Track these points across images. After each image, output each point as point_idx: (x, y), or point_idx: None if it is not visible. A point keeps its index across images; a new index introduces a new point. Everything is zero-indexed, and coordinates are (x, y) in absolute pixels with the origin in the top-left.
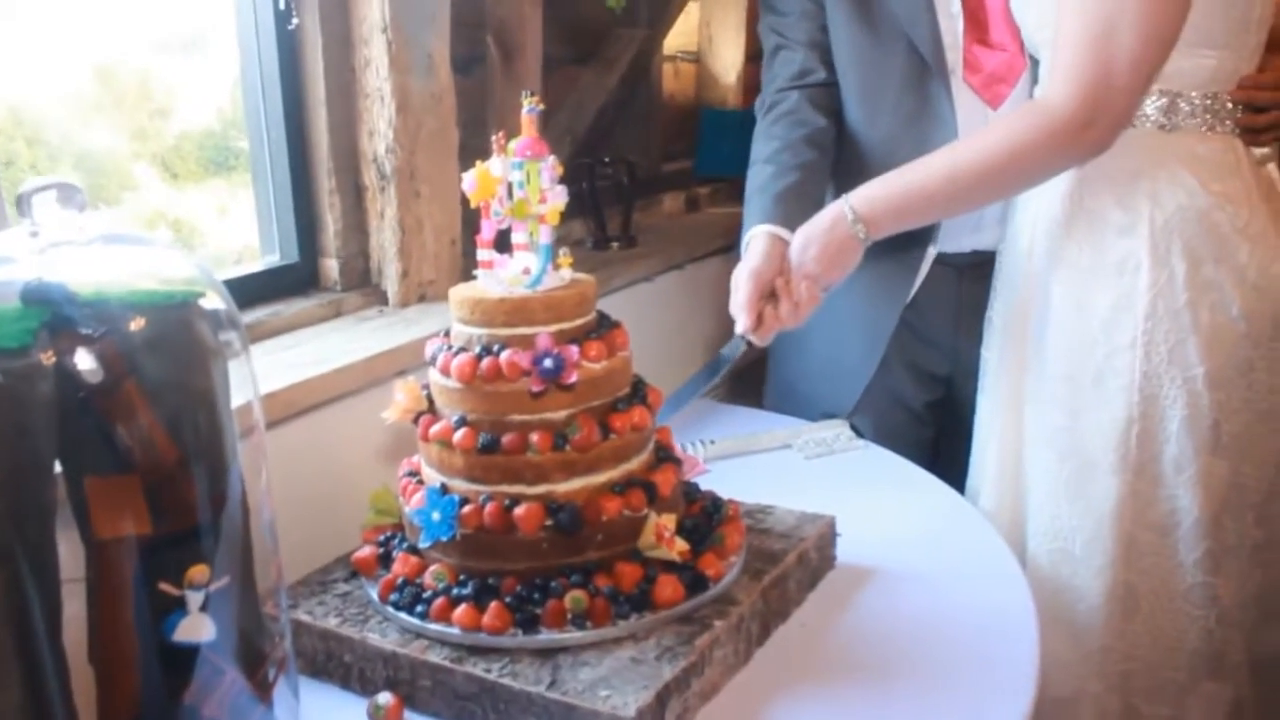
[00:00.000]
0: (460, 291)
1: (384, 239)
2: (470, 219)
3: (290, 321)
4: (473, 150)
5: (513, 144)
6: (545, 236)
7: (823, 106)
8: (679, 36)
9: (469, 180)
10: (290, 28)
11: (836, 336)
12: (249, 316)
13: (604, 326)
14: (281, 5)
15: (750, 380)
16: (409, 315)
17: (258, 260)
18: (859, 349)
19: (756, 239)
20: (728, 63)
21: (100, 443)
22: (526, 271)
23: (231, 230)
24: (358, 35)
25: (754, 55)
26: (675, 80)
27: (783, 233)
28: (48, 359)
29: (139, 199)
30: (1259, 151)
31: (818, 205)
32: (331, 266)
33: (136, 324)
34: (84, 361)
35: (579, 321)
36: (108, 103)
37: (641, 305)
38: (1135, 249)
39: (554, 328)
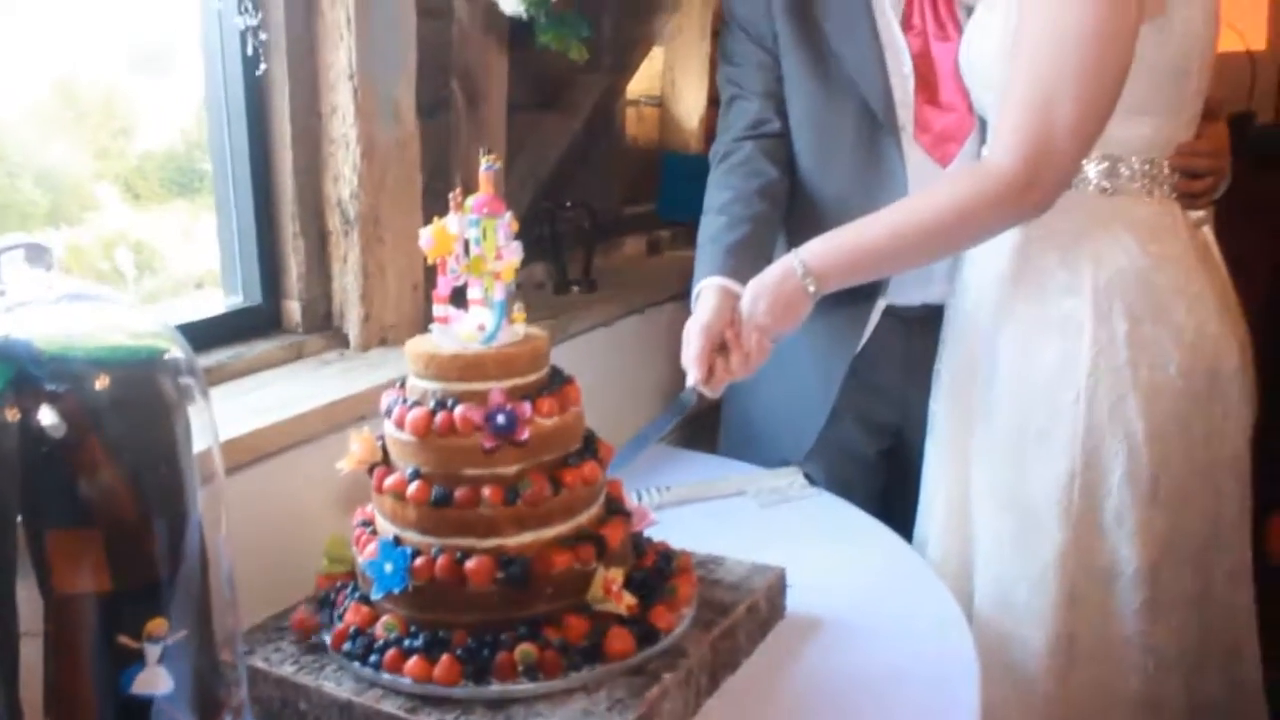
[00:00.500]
0: (416, 346)
1: (346, 283)
2: (433, 268)
3: (251, 364)
4: (435, 193)
5: (470, 200)
6: (500, 293)
7: (776, 158)
8: (642, 81)
9: (425, 237)
10: (258, 73)
11: (787, 385)
12: (211, 358)
13: (556, 382)
14: (250, 51)
15: (706, 424)
16: (370, 359)
17: (218, 285)
18: (810, 398)
19: (707, 291)
20: (690, 107)
21: (63, 497)
22: (481, 328)
23: (193, 254)
24: (324, 82)
25: (716, 100)
26: (638, 124)
27: (733, 285)
28: (12, 415)
29: (100, 219)
30: (1195, 214)
31: (768, 257)
32: (294, 309)
33: (101, 381)
34: (48, 418)
35: (532, 377)
36: (70, 120)
37: (600, 350)
38: (1078, 308)
39: (507, 383)
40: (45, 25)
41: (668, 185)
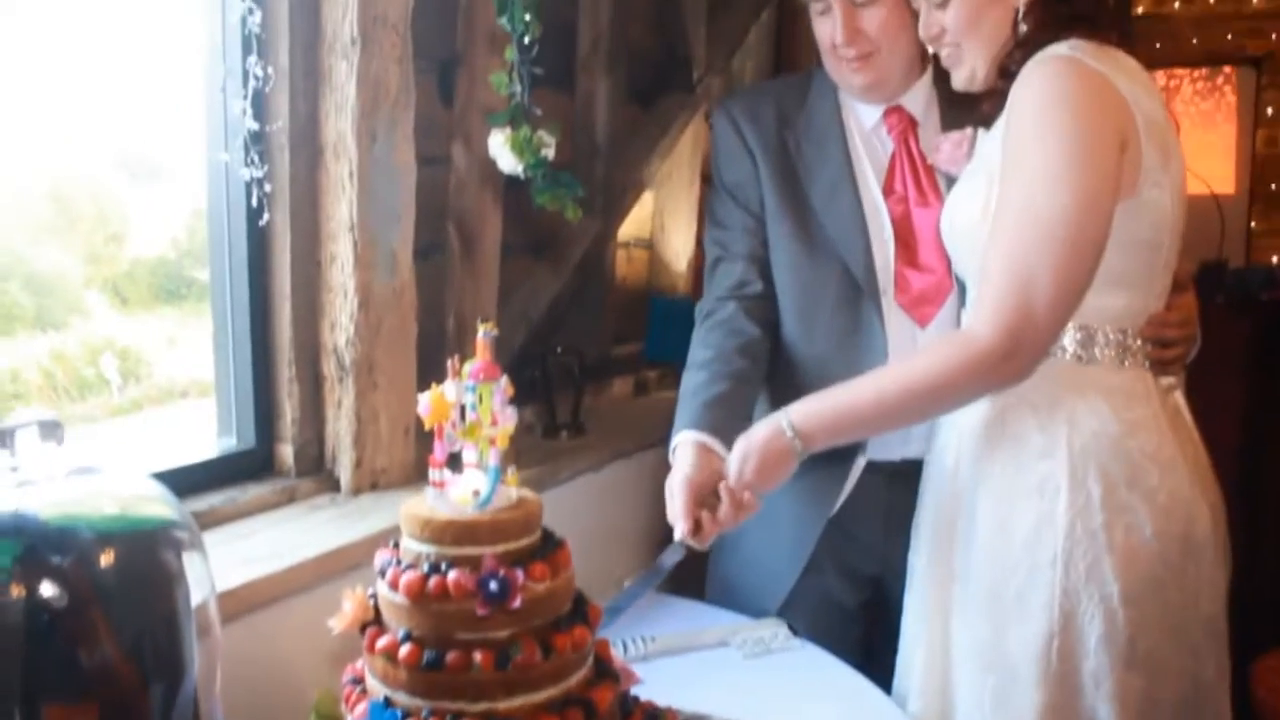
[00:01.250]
0: (411, 509)
1: (340, 427)
2: None
3: (243, 508)
4: (428, 334)
5: (467, 366)
6: (495, 458)
7: (758, 317)
8: (633, 224)
9: (424, 403)
10: (261, 224)
11: (766, 538)
12: (204, 502)
13: (549, 546)
14: (255, 202)
15: (694, 571)
16: (361, 504)
17: (204, 395)
18: (786, 551)
19: (684, 446)
20: (679, 250)
21: (62, 669)
22: (476, 493)
23: (180, 362)
24: (325, 232)
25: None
26: (628, 266)
27: (708, 440)
28: (18, 592)
29: (87, 325)
30: (1166, 380)
31: (747, 413)
32: (287, 452)
33: (106, 557)
34: (53, 590)
35: (525, 542)
36: (63, 225)
37: (589, 496)
38: (1055, 471)
39: (500, 548)
40: (40, 130)
41: (655, 327)
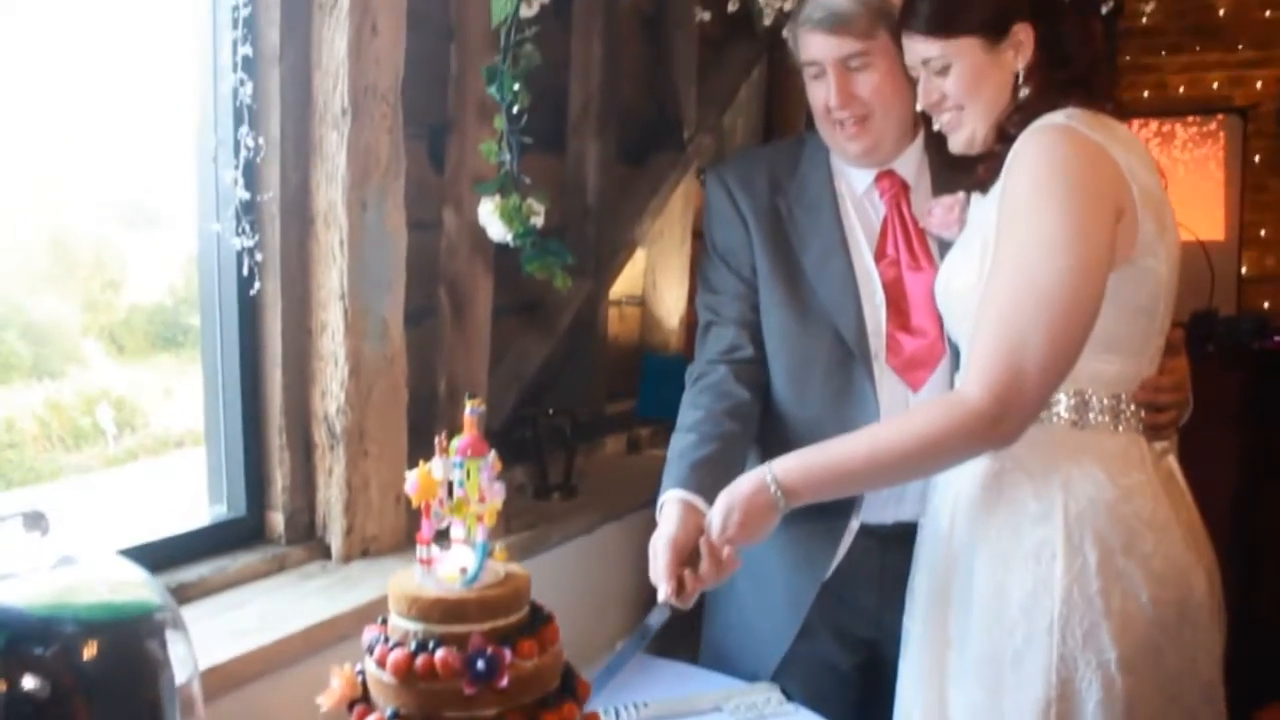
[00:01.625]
0: (399, 586)
1: (330, 495)
2: None
3: (233, 577)
4: (421, 398)
5: (454, 443)
6: (482, 535)
7: (748, 381)
8: (625, 282)
9: (411, 482)
10: (252, 292)
11: (760, 601)
12: (194, 572)
13: (537, 621)
14: (245, 271)
15: (685, 631)
16: (352, 572)
17: (199, 444)
18: (780, 615)
19: (670, 505)
20: (671, 307)
21: None
22: (463, 570)
23: (175, 411)
24: (316, 301)
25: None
26: (620, 323)
27: (695, 500)
28: (1, 685)
29: (84, 373)
30: (1159, 445)
31: (734, 475)
32: (277, 520)
33: (89, 648)
34: (35, 683)
35: (513, 618)
36: (60, 273)
37: (581, 558)
38: (1051, 537)
39: (487, 626)
40: (37, 179)
41: (648, 384)
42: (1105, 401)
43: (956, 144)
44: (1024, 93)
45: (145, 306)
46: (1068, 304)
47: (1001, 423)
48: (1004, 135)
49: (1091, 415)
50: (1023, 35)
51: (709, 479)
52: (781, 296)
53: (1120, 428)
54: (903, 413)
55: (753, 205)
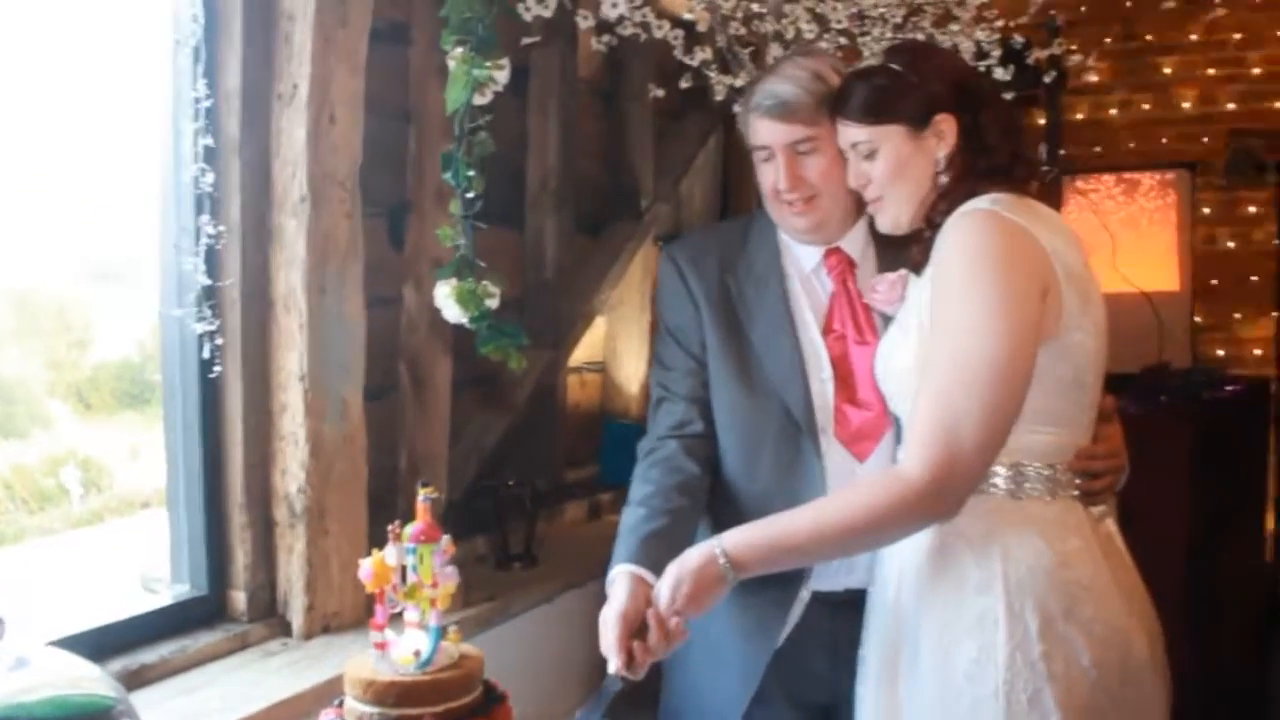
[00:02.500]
0: (355, 670)
1: (291, 572)
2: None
3: (194, 657)
4: (382, 471)
5: (407, 529)
6: (435, 619)
7: (698, 455)
8: (585, 348)
9: (365, 569)
10: (213, 375)
11: (714, 669)
12: (155, 653)
13: (491, 701)
14: (207, 354)
15: (644, 698)
16: (313, 649)
17: (165, 505)
18: (734, 682)
19: (620, 578)
20: (630, 373)
21: None
22: (417, 653)
23: (141, 472)
24: (276, 382)
25: None
26: (581, 390)
27: (645, 574)
28: None
29: (49, 434)
30: (1098, 509)
31: (683, 548)
32: (239, 598)
33: None
34: None
35: (466, 699)
36: (25, 330)
37: (542, 628)
38: (993, 605)
39: (441, 708)
40: (2, 236)
41: (609, 450)
42: (1041, 471)
43: (883, 225)
44: (944, 179)
45: (112, 363)
46: (999, 383)
47: (941, 497)
48: (930, 222)
49: (1028, 485)
50: (945, 125)
51: (658, 553)
52: (731, 372)
53: (1056, 496)
54: (847, 486)
55: (703, 284)
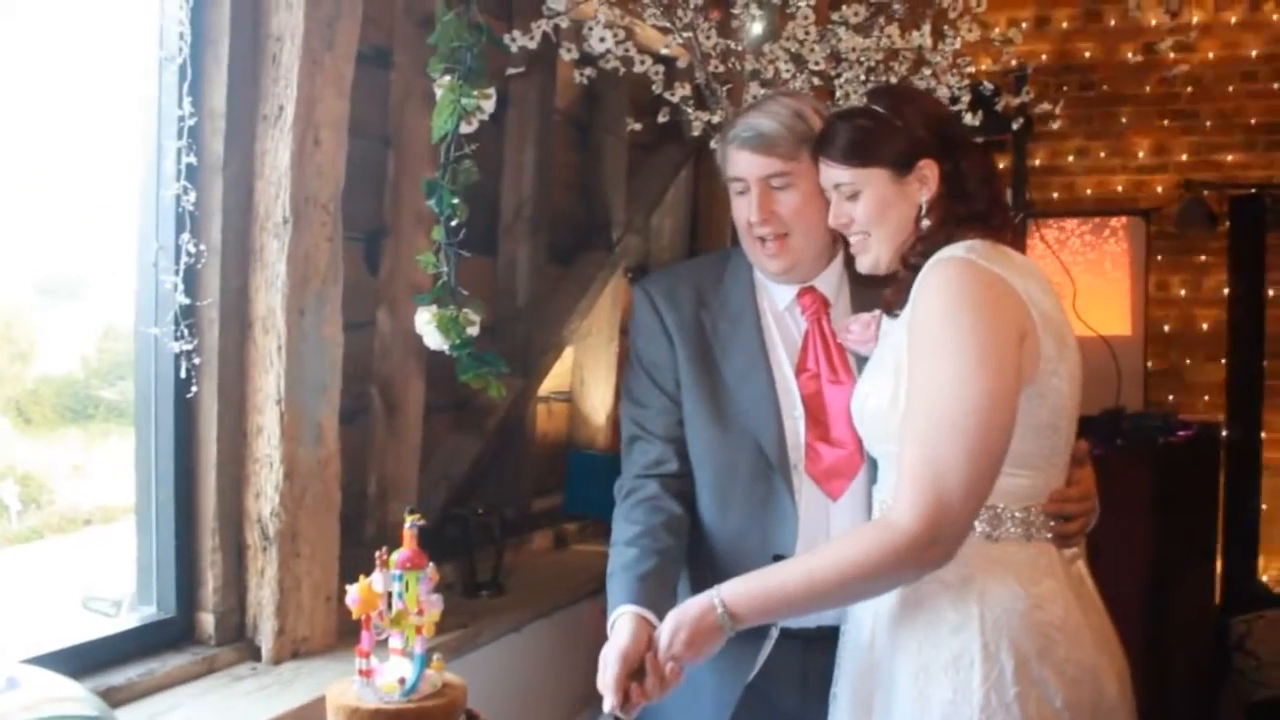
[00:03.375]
0: (339, 697)
1: (262, 596)
2: (351, 575)
3: (162, 680)
4: (351, 495)
5: (394, 557)
6: (420, 646)
7: (677, 494)
8: (553, 378)
9: (352, 595)
10: (189, 395)
11: (686, 702)
12: (122, 675)
13: None
14: (183, 374)
15: None
16: (283, 674)
17: (108, 523)
18: (706, 716)
19: (624, 618)
20: (597, 404)
21: None
22: (402, 681)
23: (83, 488)
24: (252, 404)
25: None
26: (548, 419)
27: (648, 614)
28: None
29: None
30: (1069, 551)
31: (674, 588)
32: (208, 621)
33: None
34: None
35: None
36: None
37: (512, 656)
38: (969, 646)
39: None
40: None
41: (575, 480)
42: (1017, 514)
43: (863, 265)
44: (926, 224)
45: (54, 378)
46: (983, 430)
47: (934, 545)
48: (907, 264)
49: (1004, 528)
50: (928, 171)
51: (656, 593)
52: (704, 408)
53: (1031, 538)
54: (823, 524)
55: (678, 320)
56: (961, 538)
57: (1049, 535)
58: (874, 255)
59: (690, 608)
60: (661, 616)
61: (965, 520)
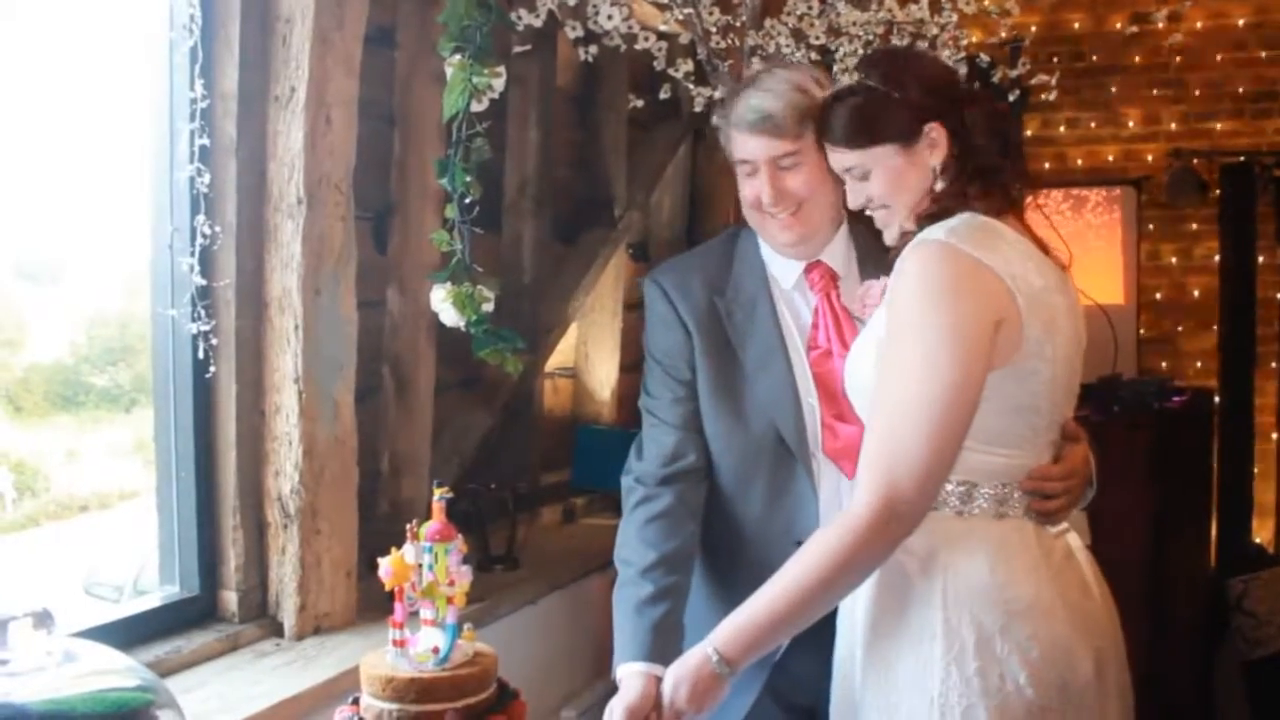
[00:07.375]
0: (373, 667)
1: (284, 573)
2: (366, 552)
3: (189, 658)
4: (364, 473)
5: (424, 529)
6: (452, 616)
7: (693, 504)
8: (558, 354)
9: (385, 568)
10: (207, 376)
11: None
12: (149, 653)
13: (505, 698)
14: (201, 355)
15: None
16: (305, 649)
17: (104, 509)
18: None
19: (632, 677)
20: (602, 379)
21: None
22: (435, 650)
23: (78, 475)
24: (270, 383)
25: (628, 367)
26: (554, 395)
27: (657, 670)
28: None
29: None
30: (1057, 528)
31: (682, 629)
32: (230, 599)
33: None
34: None
35: (483, 695)
36: None
37: (528, 628)
38: (931, 618)
39: (460, 704)
40: None
41: (582, 456)
42: (991, 492)
43: (890, 238)
44: (939, 185)
45: (44, 365)
46: (941, 421)
47: (889, 525)
48: (917, 221)
49: (977, 504)
50: (935, 134)
51: (668, 643)
52: (721, 397)
53: (1006, 516)
54: (805, 545)
55: (692, 309)
56: (918, 517)
57: (1027, 512)
58: (899, 226)
59: (688, 661)
60: (668, 664)
61: (920, 503)
